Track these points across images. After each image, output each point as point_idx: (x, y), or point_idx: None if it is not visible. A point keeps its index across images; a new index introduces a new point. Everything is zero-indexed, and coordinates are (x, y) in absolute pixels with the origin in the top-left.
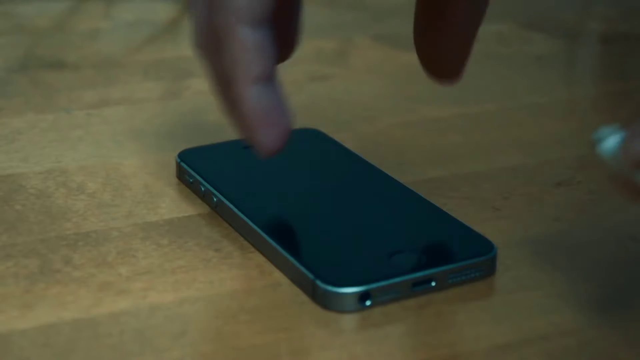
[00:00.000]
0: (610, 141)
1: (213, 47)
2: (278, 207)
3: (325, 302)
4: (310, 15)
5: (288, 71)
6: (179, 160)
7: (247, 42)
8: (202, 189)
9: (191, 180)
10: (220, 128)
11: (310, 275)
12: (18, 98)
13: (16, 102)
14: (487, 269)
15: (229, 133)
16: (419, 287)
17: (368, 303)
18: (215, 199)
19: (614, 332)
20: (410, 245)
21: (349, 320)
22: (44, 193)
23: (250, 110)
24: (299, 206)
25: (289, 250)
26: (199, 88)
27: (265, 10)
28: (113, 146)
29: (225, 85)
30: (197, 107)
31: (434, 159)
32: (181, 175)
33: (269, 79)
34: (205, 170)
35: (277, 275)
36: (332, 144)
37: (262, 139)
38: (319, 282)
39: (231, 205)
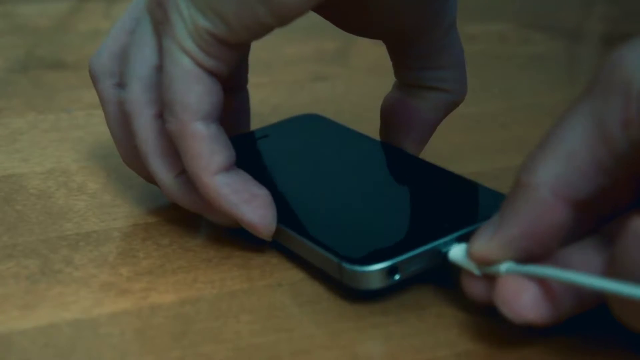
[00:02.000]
0: (457, 248)
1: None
2: (290, 195)
3: (354, 282)
4: (311, 15)
5: (289, 71)
6: None
7: (203, 136)
8: None
9: None
10: None
11: (335, 259)
12: (19, 98)
13: (17, 102)
14: None
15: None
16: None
17: (397, 277)
18: None
19: (615, 332)
20: (431, 212)
21: (349, 321)
22: (44, 193)
23: (223, 196)
24: (311, 190)
25: (308, 237)
26: None
27: (215, 106)
28: (114, 146)
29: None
30: None
31: (434, 159)
32: None
33: (230, 168)
34: None
35: (278, 275)
36: (335, 125)
37: (249, 215)
38: (344, 264)
39: None
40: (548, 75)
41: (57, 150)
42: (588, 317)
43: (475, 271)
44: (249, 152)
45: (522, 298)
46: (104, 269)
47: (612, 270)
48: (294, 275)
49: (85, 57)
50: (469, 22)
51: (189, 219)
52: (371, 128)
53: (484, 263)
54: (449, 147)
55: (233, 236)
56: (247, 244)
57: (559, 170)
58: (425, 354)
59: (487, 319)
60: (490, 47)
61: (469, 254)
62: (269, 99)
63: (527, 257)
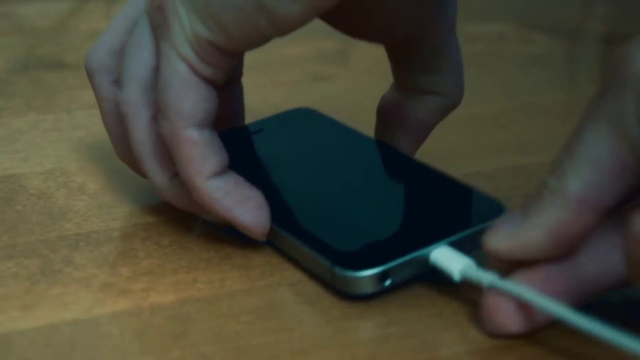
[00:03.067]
0: (438, 250)
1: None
2: (283, 193)
3: (345, 286)
4: None
5: (289, 72)
6: None
7: (196, 142)
8: None
9: None
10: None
11: (327, 262)
12: (19, 98)
13: (17, 102)
14: None
15: None
16: None
17: (388, 282)
18: None
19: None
20: (424, 216)
21: (350, 321)
22: (45, 193)
23: (216, 200)
24: (304, 189)
25: (301, 239)
26: None
27: (209, 113)
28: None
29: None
30: None
31: (434, 160)
32: None
33: (223, 171)
34: None
35: (278, 275)
36: (329, 121)
37: (243, 218)
38: (336, 268)
39: None
40: (548, 76)
41: (57, 151)
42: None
43: (455, 276)
44: (242, 147)
45: (501, 311)
46: (104, 269)
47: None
48: (294, 275)
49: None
50: (469, 22)
51: (190, 219)
52: (371, 129)
53: (500, 258)
54: (449, 147)
55: (233, 236)
56: (248, 243)
57: (587, 176)
58: (425, 354)
59: None
60: (491, 47)
61: (485, 247)
62: (269, 99)
63: (545, 257)
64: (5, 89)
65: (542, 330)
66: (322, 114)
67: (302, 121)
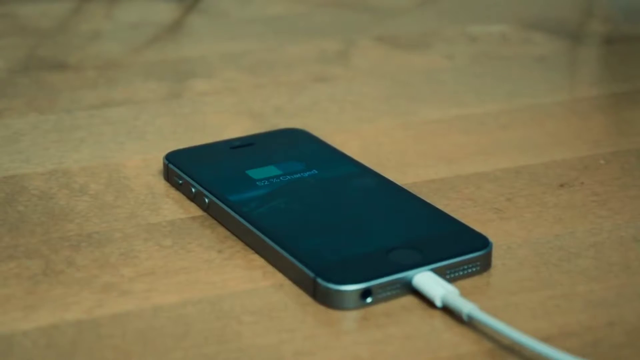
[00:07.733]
0: (421, 275)
1: None
2: (273, 207)
3: (327, 300)
4: (313, 16)
5: (290, 72)
6: (166, 161)
7: None
8: (193, 190)
9: (180, 181)
10: (222, 128)
11: (311, 274)
12: (20, 99)
13: (18, 103)
14: (484, 264)
15: (230, 133)
16: None
17: (369, 300)
18: (207, 200)
19: (615, 334)
20: (408, 242)
21: (352, 321)
22: (46, 194)
23: None
24: (293, 205)
25: (288, 250)
26: (201, 88)
27: None
28: (115, 147)
29: None
30: (199, 108)
31: (436, 160)
32: (169, 176)
33: None
34: (195, 172)
35: (280, 276)
36: (319, 142)
37: None
38: (320, 280)
39: (226, 207)
40: (549, 76)
41: (59, 151)
42: (590, 319)
43: (437, 302)
44: (232, 159)
45: None
46: (105, 269)
47: None
48: None
49: (87, 58)
50: (470, 23)
51: (192, 220)
52: (372, 129)
53: None
54: (451, 148)
55: (235, 237)
56: (249, 245)
57: None
58: (427, 355)
59: None
60: (492, 48)
61: None
62: (271, 100)
63: None
64: (6, 89)
65: (544, 332)
66: (314, 136)
67: (294, 140)
